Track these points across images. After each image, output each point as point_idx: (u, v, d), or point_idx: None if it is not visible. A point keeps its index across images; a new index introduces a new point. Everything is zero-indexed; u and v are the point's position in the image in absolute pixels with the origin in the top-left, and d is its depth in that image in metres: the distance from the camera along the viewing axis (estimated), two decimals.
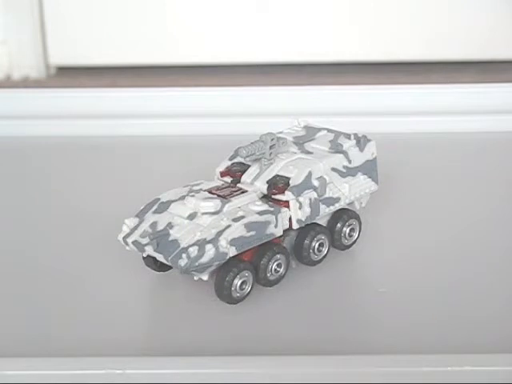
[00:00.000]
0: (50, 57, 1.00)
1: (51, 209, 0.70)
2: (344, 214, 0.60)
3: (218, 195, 0.56)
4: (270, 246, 0.55)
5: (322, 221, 0.59)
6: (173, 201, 0.57)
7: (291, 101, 0.87)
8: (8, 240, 0.65)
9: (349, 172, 0.59)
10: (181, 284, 0.57)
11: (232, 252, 0.53)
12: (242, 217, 0.54)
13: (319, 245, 0.58)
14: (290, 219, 0.56)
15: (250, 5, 0.97)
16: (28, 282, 0.59)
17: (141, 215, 0.56)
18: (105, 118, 0.87)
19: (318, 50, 0.98)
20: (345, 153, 0.59)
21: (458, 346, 0.51)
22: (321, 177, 0.57)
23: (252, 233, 0.53)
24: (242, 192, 0.57)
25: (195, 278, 0.54)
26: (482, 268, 0.59)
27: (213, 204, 0.55)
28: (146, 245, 0.54)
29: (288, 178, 0.57)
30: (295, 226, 0.56)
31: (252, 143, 0.57)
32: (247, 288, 0.55)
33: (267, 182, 0.57)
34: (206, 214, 0.54)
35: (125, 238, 0.56)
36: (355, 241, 0.61)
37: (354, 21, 0.97)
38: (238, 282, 0.54)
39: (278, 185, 0.56)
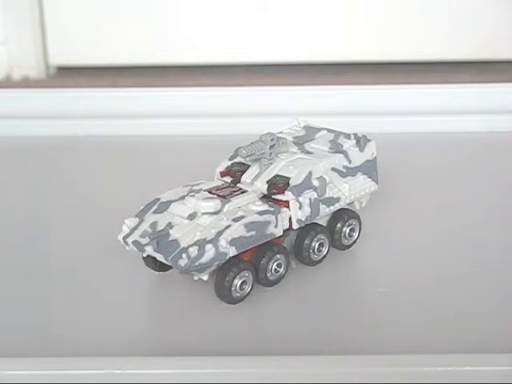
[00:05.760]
0: (50, 57, 1.00)
1: (51, 209, 0.70)
2: (344, 214, 0.60)
3: (218, 195, 0.56)
4: (269, 246, 0.55)
5: (322, 221, 0.59)
6: (173, 201, 0.57)
7: (291, 101, 0.87)
8: (8, 240, 0.65)
9: (349, 172, 0.59)
10: (181, 284, 0.57)
11: (232, 252, 0.53)
12: (242, 217, 0.54)
13: (319, 245, 0.58)
14: (290, 219, 0.56)
15: (249, 5, 0.97)
16: (28, 282, 0.58)
17: (141, 215, 0.56)
18: (105, 118, 0.87)
19: (317, 50, 0.98)
20: (345, 153, 0.59)
21: (458, 345, 0.51)
22: (321, 177, 0.57)
23: (252, 233, 0.53)
24: (242, 192, 0.57)
25: (195, 278, 0.54)
26: (482, 268, 0.59)
27: (213, 204, 0.55)
28: (146, 245, 0.54)
29: (288, 178, 0.57)
30: (295, 226, 0.56)
31: (252, 143, 0.57)
32: (247, 288, 0.55)
33: (267, 182, 0.57)
34: (205, 213, 0.54)
35: (125, 238, 0.56)
36: (355, 241, 0.61)
37: (354, 21, 0.97)
38: (238, 282, 0.54)
39: (278, 185, 0.56)
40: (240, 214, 0.54)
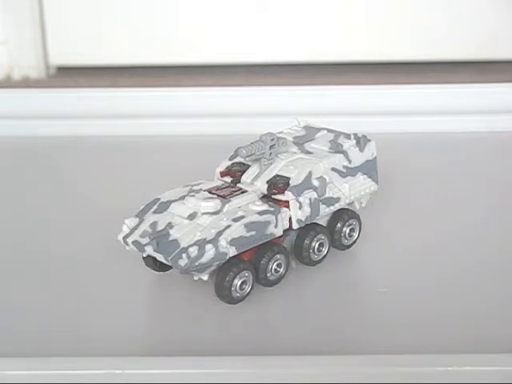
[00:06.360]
0: (50, 57, 1.00)
1: (51, 209, 0.70)
2: (344, 214, 0.60)
3: (218, 195, 0.56)
4: (269, 246, 0.55)
5: (322, 221, 0.59)
6: (173, 201, 0.57)
7: (291, 101, 0.87)
8: (7, 240, 0.65)
9: (349, 172, 0.59)
10: (181, 284, 0.57)
11: (232, 252, 0.53)
12: (242, 217, 0.54)
13: (319, 245, 0.58)
14: (290, 219, 0.56)
15: (249, 5, 0.97)
16: (28, 282, 0.59)
17: (141, 215, 0.56)
18: (105, 118, 0.87)
19: (318, 50, 0.98)
20: (345, 153, 0.59)
21: (458, 345, 0.51)
22: (321, 177, 0.57)
23: (252, 233, 0.53)
24: (242, 192, 0.57)
25: (195, 278, 0.54)
26: (482, 268, 0.59)
27: (213, 204, 0.55)
28: (146, 245, 0.54)
29: (288, 178, 0.57)
30: (295, 226, 0.56)
31: (252, 143, 0.57)
32: (247, 288, 0.55)
33: (267, 182, 0.57)
34: (205, 213, 0.54)
35: (125, 238, 0.56)
36: (355, 241, 0.61)
37: (354, 21, 0.97)
38: (238, 282, 0.54)
39: (278, 185, 0.56)
40: (240, 213, 0.54)
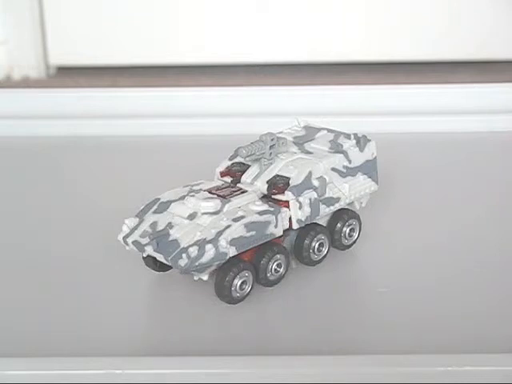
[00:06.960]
0: (50, 57, 1.00)
1: (51, 209, 0.70)
2: (344, 214, 0.60)
3: (218, 195, 0.56)
4: (269, 246, 0.55)
5: (322, 221, 0.59)
6: (173, 201, 0.57)
7: (291, 101, 0.87)
8: (7, 240, 0.65)
9: (349, 172, 0.59)
10: (181, 284, 0.57)
11: (232, 252, 0.53)
12: (242, 217, 0.54)
13: (319, 245, 0.58)
14: (290, 219, 0.56)
15: (249, 5, 0.97)
16: (28, 282, 0.58)
17: (141, 215, 0.56)
18: (105, 118, 0.87)
19: (317, 50, 0.98)
20: (345, 153, 0.59)
21: (458, 346, 0.51)
22: (321, 177, 0.57)
23: (252, 233, 0.53)
24: (242, 192, 0.57)
25: (195, 278, 0.54)
26: (482, 268, 0.59)
27: (213, 204, 0.55)
28: (146, 245, 0.54)
29: (288, 178, 0.57)
30: (295, 226, 0.56)
31: (252, 143, 0.57)
32: (247, 288, 0.55)
33: (267, 182, 0.57)
34: (205, 213, 0.54)
35: (125, 238, 0.56)
36: (355, 241, 0.61)
37: (354, 21, 0.97)
38: (238, 282, 0.54)
39: (278, 185, 0.56)
40: (240, 213, 0.54)
